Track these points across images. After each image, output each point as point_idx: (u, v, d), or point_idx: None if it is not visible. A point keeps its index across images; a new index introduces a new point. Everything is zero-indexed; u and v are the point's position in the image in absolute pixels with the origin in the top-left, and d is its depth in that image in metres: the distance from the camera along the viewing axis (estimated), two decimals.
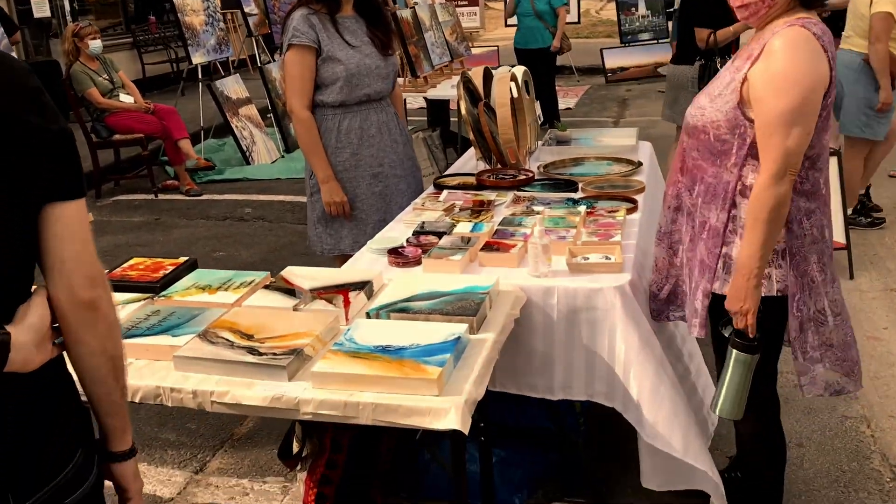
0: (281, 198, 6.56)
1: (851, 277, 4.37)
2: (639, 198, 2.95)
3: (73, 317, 1.29)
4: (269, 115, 8.14)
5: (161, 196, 6.70)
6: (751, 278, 2.04)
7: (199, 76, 7.87)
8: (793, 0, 2.03)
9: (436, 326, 2.00)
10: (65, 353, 1.32)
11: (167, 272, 2.38)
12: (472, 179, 3.31)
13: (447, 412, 1.72)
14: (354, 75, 3.14)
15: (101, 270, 1.33)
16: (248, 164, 7.52)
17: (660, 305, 2.43)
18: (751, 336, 2.08)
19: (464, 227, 2.69)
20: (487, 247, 2.50)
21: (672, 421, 2.19)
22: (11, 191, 1.19)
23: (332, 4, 3.15)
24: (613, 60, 11.48)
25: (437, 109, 6.47)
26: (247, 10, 8.81)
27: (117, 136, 6.54)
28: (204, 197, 6.66)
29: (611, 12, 20.78)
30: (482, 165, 3.44)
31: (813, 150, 2.04)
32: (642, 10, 11.59)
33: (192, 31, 7.73)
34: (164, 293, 2.28)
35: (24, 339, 1.21)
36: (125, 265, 2.48)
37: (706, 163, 2.17)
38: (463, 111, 3.32)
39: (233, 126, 7.52)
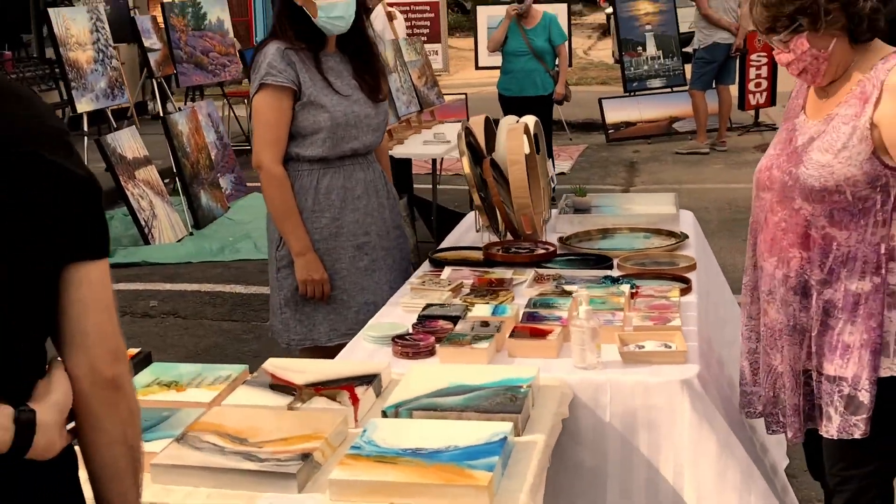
0: (195, 287, 6.76)
1: None
2: (691, 276, 3.22)
3: (94, 398, 1.47)
4: (173, 180, 8.46)
5: None
6: None
7: (86, 128, 8.13)
8: (853, 42, 2.46)
9: (473, 426, 2.19)
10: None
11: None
12: (477, 254, 3.56)
13: None
14: (341, 125, 3.41)
15: (123, 345, 1.52)
16: (146, 243, 7.84)
17: (763, 412, 2.74)
18: None
19: (481, 310, 2.92)
20: (516, 333, 2.72)
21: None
22: (34, 243, 1.38)
23: (316, 40, 3.43)
24: (616, 114, 12.09)
25: (402, 171, 6.78)
26: (147, 43, 9.28)
27: None
28: None
29: (604, 52, 21.84)
30: (488, 237, 3.70)
31: None
32: (651, 50, 12.29)
33: (78, 70, 8.07)
34: None
35: (48, 418, 1.38)
36: None
37: (842, 228, 2.47)
38: (466, 170, 3.59)
39: (127, 193, 7.86)
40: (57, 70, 9.62)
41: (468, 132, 3.74)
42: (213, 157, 9.17)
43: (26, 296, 1.42)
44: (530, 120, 3.94)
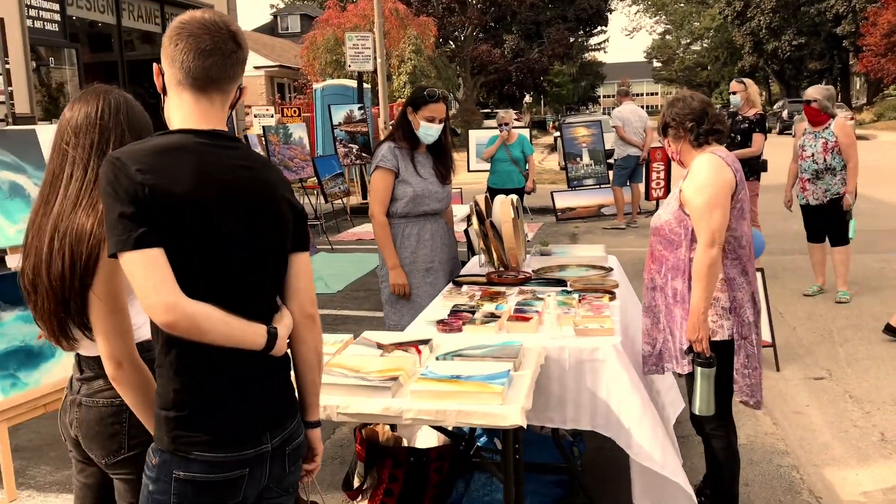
0: None
1: (778, 369, 5.08)
2: (615, 291, 3.66)
3: (301, 325, 1.87)
4: None
5: None
6: (700, 315, 2.85)
7: None
8: (693, 145, 3.04)
9: (490, 364, 2.63)
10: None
11: None
12: (483, 278, 3.99)
13: (510, 415, 2.34)
14: (419, 196, 3.95)
15: (315, 298, 1.92)
16: None
17: (652, 364, 3.13)
18: (707, 356, 2.85)
19: (488, 307, 3.36)
20: (510, 319, 3.16)
21: (654, 443, 2.80)
22: (286, 241, 1.83)
23: (413, 144, 3.98)
24: (563, 201, 12.48)
25: None
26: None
27: None
28: None
29: (553, 162, 22.53)
30: (487, 269, 4.14)
31: (735, 231, 2.92)
32: (586, 160, 12.73)
33: None
34: None
35: (282, 333, 1.80)
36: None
37: (667, 250, 2.96)
38: (475, 226, 4.04)
39: None
40: None
41: (476, 205, 4.19)
42: None
43: (279, 269, 1.84)
44: (513, 198, 4.39)
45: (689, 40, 71.47)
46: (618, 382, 2.85)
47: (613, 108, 12.36)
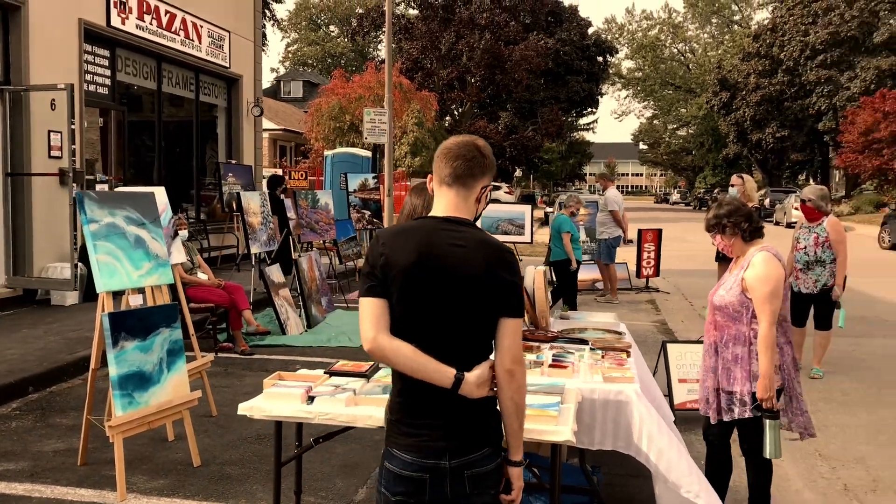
0: (317, 359, 7.84)
1: None
2: (630, 350, 4.49)
3: (501, 377, 2.25)
4: (297, 297, 9.56)
5: (220, 355, 7.94)
6: (769, 378, 3.74)
7: (253, 262, 9.26)
8: (746, 240, 3.99)
9: (541, 397, 3.42)
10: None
11: (368, 368, 3.79)
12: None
13: (563, 432, 3.14)
14: None
15: (521, 356, 2.26)
16: (283, 333, 8.79)
17: (715, 410, 4.03)
18: (775, 410, 3.74)
19: (530, 356, 4.17)
20: (552, 366, 3.98)
21: (675, 461, 3.59)
22: (483, 308, 2.25)
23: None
24: None
25: None
26: (289, 215, 10.52)
27: (192, 305, 7.87)
28: (255, 357, 7.94)
29: (544, 237, 23.61)
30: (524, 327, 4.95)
31: (783, 310, 3.86)
32: (583, 237, 13.64)
33: (252, 227, 9.27)
34: (375, 375, 3.69)
35: (470, 380, 2.21)
36: (336, 366, 3.88)
37: (730, 323, 3.91)
38: None
39: (275, 302, 8.91)
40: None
41: None
42: (318, 285, 10.05)
43: (478, 327, 2.26)
44: (544, 269, 5.24)
45: (675, 126, 74.05)
46: (638, 416, 3.66)
47: (598, 189, 13.28)
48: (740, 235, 4.01)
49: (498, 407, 2.32)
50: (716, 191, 50.97)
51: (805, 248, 7.38)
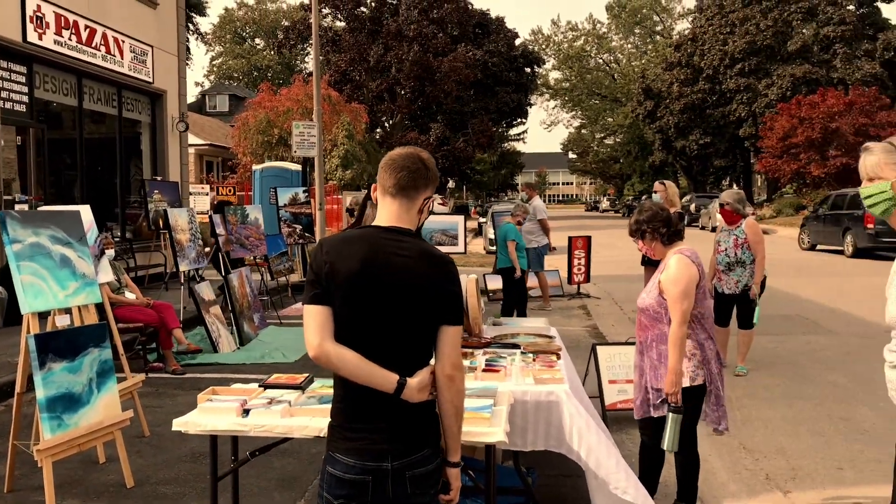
0: (251, 376, 7.76)
1: None
2: (560, 353, 4.64)
3: (441, 382, 2.34)
4: (228, 314, 9.47)
5: (151, 375, 7.82)
6: (677, 374, 3.92)
7: (182, 280, 9.16)
8: (665, 244, 4.14)
9: (474, 400, 3.53)
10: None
11: (303, 380, 3.83)
12: None
13: (496, 433, 3.24)
14: None
15: (461, 362, 2.37)
16: (215, 351, 8.70)
17: (646, 407, 4.18)
18: (679, 405, 3.91)
19: (464, 362, 4.27)
20: (485, 371, 4.09)
21: (605, 457, 3.73)
22: (425, 316, 2.34)
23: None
24: (493, 284, 13.54)
25: None
26: (218, 231, 10.41)
27: (121, 325, 7.74)
28: (187, 376, 7.85)
29: (478, 247, 23.91)
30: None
31: (701, 308, 4.03)
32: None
33: (181, 245, 9.15)
34: (310, 387, 3.73)
35: (412, 385, 2.30)
36: (270, 379, 3.91)
37: (652, 324, 4.08)
38: None
39: (206, 320, 8.82)
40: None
41: None
42: (249, 302, 10.00)
43: (420, 335, 2.34)
44: (476, 277, 5.36)
45: (602, 135, 75.66)
46: (568, 415, 3.80)
47: (524, 200, 13.48)
48: (660, 239, 4.20)
49: (437, 410, 2.41)
50: (643, 197, 52.29)
51: (725, 250, 7.69)
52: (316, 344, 2.29)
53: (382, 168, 2.46)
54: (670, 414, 3.95)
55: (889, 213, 2.72)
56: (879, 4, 43.82)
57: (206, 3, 42.60)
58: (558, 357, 4.50)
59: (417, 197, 2.45)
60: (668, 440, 3.95)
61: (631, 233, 4.34)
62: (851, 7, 43.53)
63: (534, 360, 4.41)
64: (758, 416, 6.44)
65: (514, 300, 10.27)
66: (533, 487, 4.26)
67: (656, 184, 8.96)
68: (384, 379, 2.28)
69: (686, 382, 4.02)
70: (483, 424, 3.28)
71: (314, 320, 2.31)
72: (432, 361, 2.39)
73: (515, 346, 4.82)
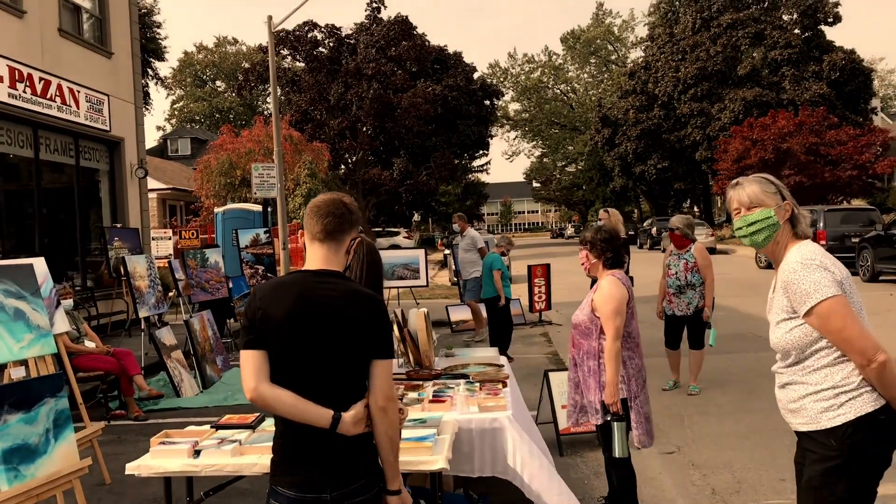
0: (214, 419, 7.80)
1: (638, 448, 6.28)
2: (507, 381, 4.81)
3: (375, 414, 2.47)
4: (190, 358, 9.50)
5: (113, 423, 7.83)
6: (615, 386, 4.13)
7: (142, 326, 9.20)
8: (605, 266, 4.37)
9: (419, 430, 3.68)
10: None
11: (254, 419, 3.94)
12: (403, 375, 5.05)
13: (438, 461, 3.39)
14: None
15: (393, 393, 2.49)
16: (177, 395, 8.72)
17: (575, 417, 4.45)
18: (620, 413, 4.12)
19: (412, 395, 4.42)
20: (430, 402, 4.24)
21: (545, 483, 3.90)
22: (356, 352, 2.48)
23: None
24: (456, 315, 13.73)
25: None
26: (178, 276, 10.47)
27: (81, 374, 7.76)
28: (150, 421, 7.86)
29: (444, 279, 24.08)
30: (406, 368, 5.20)
31: (628, 327, 4.26)
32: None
33: (139, 291, 9.19)
34: (261, 425, 3.85)
35: (346, 419, 2.43)
36: (223, 419, 4.02)
37: (583, 339, 4.28)
38: (396, 333, 5.13)
39: (168, 366, 8.84)
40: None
41: (395, 316, 5.27)
42: (212, 345, 9.99)
43: (353, 370, 2.47)
44: (425, 311, 5.52)
45: (564, 163, 76.57)
46: (511, 441, 3.96)
47: (456, 232, 12.95)
48: (602, 260, 4.44)
49: (374, 441, 2.53)
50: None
51: (676, 273, 7.94)
52: (252, 387, 2.44)
53: (309, 216, 2.63)
54: (615, 423, 4.17)
55: (770, 240, 2.91)
56: (823, 28, 45.18)
57: (165, 48, 42.72)
58: (504, 385, 4.66)
59: (344, 240, 2.63)
60: (618, 447, 4.18)
61: (582, 240, 4.58)
62: (797, 31, 44.88)
63: (480, 388, 4.57)
64: (708, 433, 6.64)
65: (499, 329, 10.42)
66: None
67: (601, 212, 9.27)
68: (318, 416, 2.41)
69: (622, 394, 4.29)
70: (425, 453, 3.43)
71: (249, 365, 2.46)
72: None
73: (464, 376, 4.97)
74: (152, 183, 33.92)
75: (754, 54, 44.59)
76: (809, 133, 33.23)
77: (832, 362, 2.70)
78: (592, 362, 4.31)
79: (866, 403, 2.65)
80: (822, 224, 20.46)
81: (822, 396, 2.71)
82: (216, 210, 18.48)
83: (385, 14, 42.87)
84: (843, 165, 32.43)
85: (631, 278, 9.05)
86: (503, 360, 5.62)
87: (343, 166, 41.72)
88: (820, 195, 32.31)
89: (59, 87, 13.03)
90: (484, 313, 11.77)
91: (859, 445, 2.63)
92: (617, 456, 4.19)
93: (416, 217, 55.62)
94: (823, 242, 20.06)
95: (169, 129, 68.75)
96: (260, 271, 13.65)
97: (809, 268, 2.70)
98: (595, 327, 4.30)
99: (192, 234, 22.54)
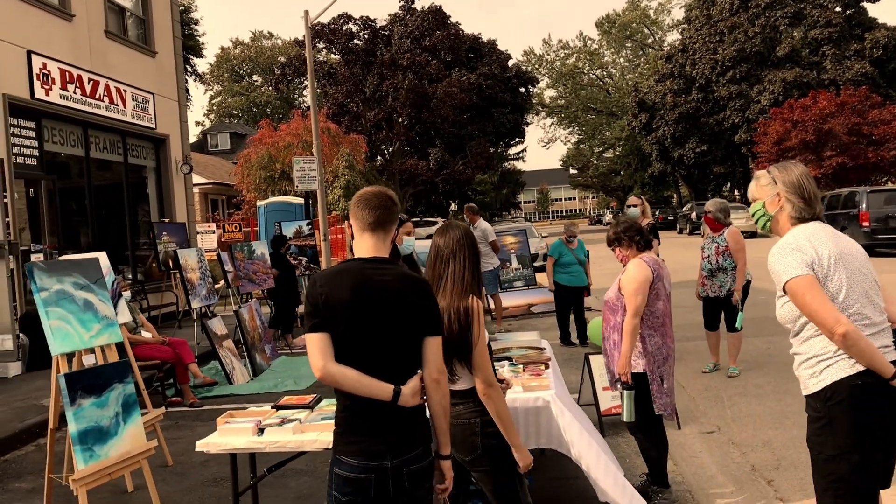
0: (265, 405, 8.13)
1: (679, 427, 6.44)
2: (549, 362, 5.00)
3: (429, 385, 2.71)
4: (240, 347, 9.85)
5: (170, 409, 8.19)
6: (626, 357, 4.40)
7: (194, 316, 9.55)
8: (639, 250, 4.59)
9: None
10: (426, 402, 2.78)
11: (312, 400, 4.20)
12: None
13: None
14: None
15: (443, 367, 2.72)
16: (230, 383, 9.08)
17: (611, 383, 4.72)
18: (629, 383, 4.39)
19: None
20: None
21: (594, 457, 4.09)
22: (411, 330, 2.72)
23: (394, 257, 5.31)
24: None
25: None
26: (227, 268, 10.82)
27: (139, 363, 8.11)
28: (205, 408, 8.21)
29: None
30: None
31: (651, 307, 4.48)
32: (515, 264, 14.30)
33: (191, 283, 9.54)
34: (318, 406, 4.10)
35: (406, 392, 2.65)
36: (282, 401, 4.28)
37: (611, 315, 4.56)
38: None
39: (220, 354, 9.19)
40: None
41: None
42: (260, 334, 10.40)
43: (409, 347, 2.71)
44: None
45: (601, 149, 76.12)
46: (555, 416, 4.16)
47: (470, 225, 12.95)
48: (635, 247, 4.69)
49: (427, 413, 2.75)
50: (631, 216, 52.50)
51: (708, 257, 8.05)
52: (320, 366, 2.66)
53: (359, 206, 2.84)
54: (624, 391, 4.50)
55: (767, 227, 3.28)
56: (865, 4, 44.30)
57: (203, 44, 43.44)
58: (546, 367, 4.86)
59: (391, 230, 2.87)
60: (625, 412, 4.51)
61: (609, 242, 4.78)
62: (838, 9, 44.06)
63: (523, 370, 4.77)
64: (747, 413, 6.76)
65: (571, 315, 10.79)
66: (531, 491, 4.60)
67: (632, 198, 9.46)
68: (381, 390, 2.63)
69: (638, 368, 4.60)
70: None
71: (316, 346, 2.68)
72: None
73: (507, 358, 5.18)
74: (195, 178, 34.61)
75: (794, 34, 43.94)
76: (852, 113, 32.72)
77: (815, 333, 2.97)
78: (616, 336, 4.64)
79: (841, 369, 2.90)
80: (864, 205, 20.20)
81: (809, 364, 2.99)
82: (258, 203, 18.89)
83: (419, 4, 43.10)
84: (887, 145, 31.90)
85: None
86: (545, 343, 5.81)
87: (380, 157, 42.09)
88: (863, 176, 31.86)
89: (107, 87, 13.47)
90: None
91: (836, 407, 2.87)
92: (624, 420, 4.56)
93: (453, 206, 55.80)
94: (866, 224, 19.83)
95: (208, 124, 69.80)
96: (304, 262, 13.98)
97: (784, 251, 2.99)
98: (620, 304, 4.61)
99: (236, 227, 23.05)
